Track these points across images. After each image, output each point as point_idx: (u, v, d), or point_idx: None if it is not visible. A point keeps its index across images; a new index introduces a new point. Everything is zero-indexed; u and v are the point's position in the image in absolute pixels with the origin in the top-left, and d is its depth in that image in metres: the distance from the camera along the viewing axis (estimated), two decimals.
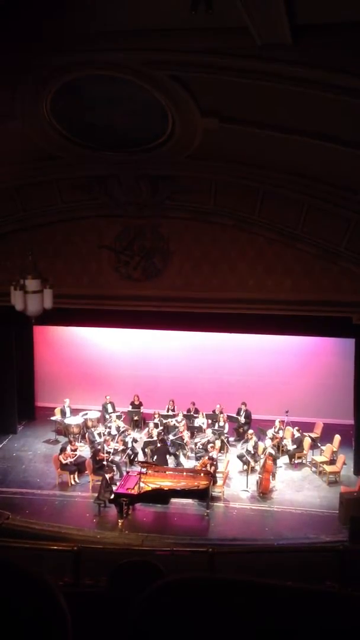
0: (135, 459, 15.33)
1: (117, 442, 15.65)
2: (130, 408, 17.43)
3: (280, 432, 15.95)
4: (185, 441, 15.64)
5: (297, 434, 15.72)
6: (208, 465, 14.02)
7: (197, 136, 10.43)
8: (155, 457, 15.10)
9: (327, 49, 6.97)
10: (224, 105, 9.44)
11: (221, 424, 16.36)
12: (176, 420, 16.49)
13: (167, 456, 15.10)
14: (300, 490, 14.47)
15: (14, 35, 7.37)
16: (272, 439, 15.57)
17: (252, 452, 14.97)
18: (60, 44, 7.83)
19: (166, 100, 9.33)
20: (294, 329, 14.78)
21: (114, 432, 16.16)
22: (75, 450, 15.13)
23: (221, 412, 16.60)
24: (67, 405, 17.39)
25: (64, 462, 14.65)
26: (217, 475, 14.08)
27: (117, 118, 10.23)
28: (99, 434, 16.13)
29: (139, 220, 13.71)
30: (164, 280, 14.02)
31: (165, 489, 13.35)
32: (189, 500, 13.65)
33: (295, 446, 15.63)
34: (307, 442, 15.72)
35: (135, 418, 17.33)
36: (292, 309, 13.64)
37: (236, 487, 14.59)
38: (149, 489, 13.27)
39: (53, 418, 17.34)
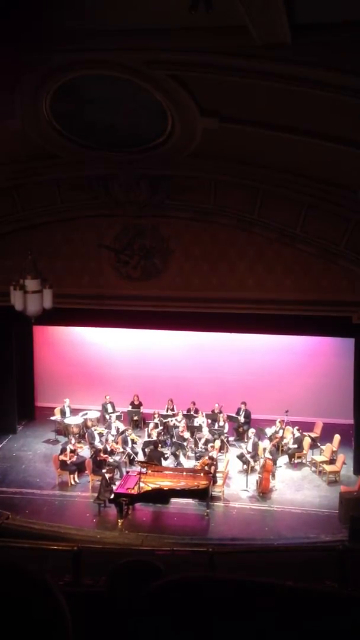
0: (135, 459, 15.32)
1: (116, 442, 15.65)
2: (130, 408, 17.42)
3: (280, 431, 15.94)
4: (187, 439, 15.64)
5: (297, 434, 15.71)
6: (208, 465, 14.02)
7: (196, 136, 10.44)
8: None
9: (326, 49, 6.97)
10: (224, 104, 9.44)
11: (221, 423, 16.35)
12: (176, 420, 16.48)
13: (162, 459, 15.05)
14: (300, 489, 14.46)
15: (14, 34, 7.37)
16: (271, 438, 15.57)
17: (252, 452, 14.97)
18: (59, 44, 7.83)
19: (166, 99, 9.33)
20: (294, 329, 14.78)
21: (113, 432, 16.16)
22: (75, 450, 15.12)
23: (220, 412, 16.59)
24: (67, 405, 17.37)
25: (64, 462, 14.64)
26: (217, 475, 14.07)
27: (116, 118, 10.24)
28: (99, 434, 16.12)
29: (138, 219, 13.72)
30: (164, 279, 14.02)
31: (165, 488, 13.34)
32: (189, 500, 13.64)
33: (295, 446, 15.63)
34: (306, 441, 15.71)
35: (135, 418, 17.32)
36: (291, 308, 13.64)
37: (236, 487, 14.58)
38: (149, 488, 13.27)
39: (53, 418, 17.33)
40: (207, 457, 14.29)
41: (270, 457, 14.45)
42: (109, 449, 14.95)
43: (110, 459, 14.63)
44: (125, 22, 7.29)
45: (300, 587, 1.39)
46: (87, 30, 7.50)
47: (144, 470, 13.78)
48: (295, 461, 15.55)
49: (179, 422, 16.30)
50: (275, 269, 13.53)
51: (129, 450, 15.34)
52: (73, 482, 14.59)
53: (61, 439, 16.55)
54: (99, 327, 16.91)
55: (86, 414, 17.26)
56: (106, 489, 13.30)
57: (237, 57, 7.56)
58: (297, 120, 9.15)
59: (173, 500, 13.46)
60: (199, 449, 15.30)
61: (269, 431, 15.89)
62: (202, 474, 13.76)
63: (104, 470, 13.76)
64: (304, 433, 15.88)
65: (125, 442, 15.57)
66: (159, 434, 15.93)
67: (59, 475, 14.67)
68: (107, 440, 15.53)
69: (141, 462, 14.56)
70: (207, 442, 15.32)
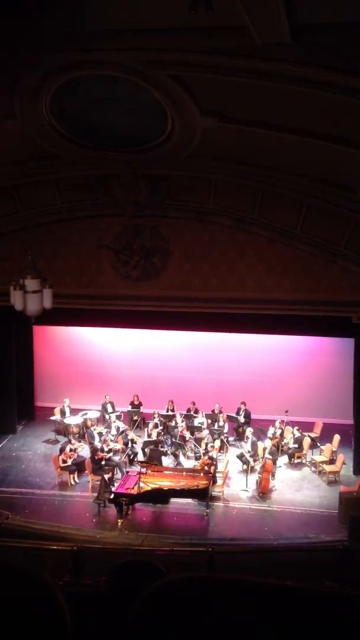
0: (135, 459, 15.33)
1: (116, 442, 15.65)
2: (129, 408, 17.43)
3: (279, 431, 15.94)
4: (187, 439, 15.64)
5: (296, 434, 15.72)
6: (208, 465, 14.02)
7: (196, 136, 10.43)
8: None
9: (327, 49, 6.96)
10: (224, 104, 9.44)
11: (221, 423, 16.36)
12: (176, 420, 16.49)
13: (162, 458, 15.05)
14: (300, 489, 14.47)
15: (13, 34, 7.36)
16: (271, 438, 15.57)
17: (252, 452, 14.97)
18: (59, 44, 7.82)
19: (165, 99, 9.33)
20: (294, 329, 14.79)
21: (113, 432, 16.16)
22: (74, 450, 15.13)
23: (220, 412, 16.60)
24: (66, 405, 17.39)
25: (63, 462, 14.64)
26: (217, 475, 14.07)
27: (116, 118, 10.23)
28: (99, 434, 16.13)
29: (138, 219, 13.72)
30: (164, 279, 14.02)
31: (165, 488, 13.34)
32: (189, 500, 13.64)
33: (295, 446, 15.63)
34: (306, 441, 15.72)
35: (135, 418, 17.32)
36: (291, 308, 13.64)
37: (236, 487, 14.58)
38: (149, 488, 13.26)
39: (53, 418, 17.34)
40: (206, 457, 14.29)
41: (270, 457, 14.46)
42: (105, 449, 14.95)
43: (107, 455, 14.62)
44: (125, 22, 7.28)
45: (300, 587, 1.39)
46: (87, 30, 7.49)
47: (143, 470, 13.78)
48: (295, 461, 15.56)
49: (180, 422, 16.32)
50: (275, 269, 13.53)
51: (128, 450, 15.34)
52: (73, 482, 14.60)
53: (61, 439, 16.56)
54: (99, 327, 16.92)
55: (86, 413, 17.27)
56: (106, 489, 13.31)
57: (237, 57, 7.55)
58: (297, 120, 9.15)
59: (173, 500, 13.46)
60: (199, 449, 15.31)
61: (269, 432, 15.89)
62: (201, 474, 13.77)
63: (103, 465, 13.75)
64: (304, 433, 15.89)
65: (125, 442, 15.58)
66: (159, 433, 15.94)
67: (58, 475, 14.68)
68: (104, 440, 15.55)
69: (141, 462, 14.57)
70: (206, 443, 15.33)
